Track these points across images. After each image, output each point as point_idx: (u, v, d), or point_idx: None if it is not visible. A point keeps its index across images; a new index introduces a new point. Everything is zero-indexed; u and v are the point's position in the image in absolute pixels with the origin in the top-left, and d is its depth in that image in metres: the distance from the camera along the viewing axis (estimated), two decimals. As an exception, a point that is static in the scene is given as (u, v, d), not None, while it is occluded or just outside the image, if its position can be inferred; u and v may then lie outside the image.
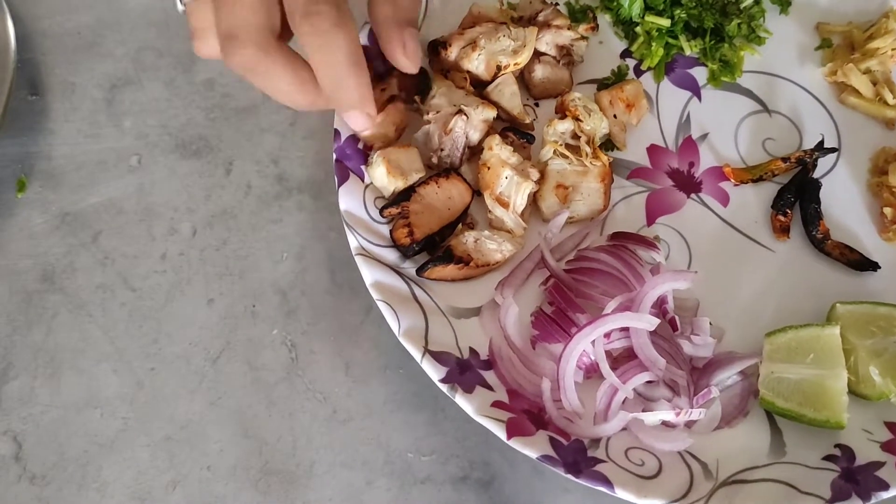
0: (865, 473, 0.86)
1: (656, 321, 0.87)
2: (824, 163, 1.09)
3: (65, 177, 1.22)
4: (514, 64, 1.01)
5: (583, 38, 1.07)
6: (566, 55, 1.06)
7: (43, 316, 1.13)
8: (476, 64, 1.01)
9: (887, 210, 1.02)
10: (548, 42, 1.06)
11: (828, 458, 0.87)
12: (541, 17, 1.05)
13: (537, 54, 1.07)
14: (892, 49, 1.14)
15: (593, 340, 0.86)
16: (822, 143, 1.06)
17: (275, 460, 1.06)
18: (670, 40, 1.13)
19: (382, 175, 0.97)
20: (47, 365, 1.11)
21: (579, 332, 0.86)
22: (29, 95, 1.26)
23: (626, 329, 0.87)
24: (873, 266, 0.99)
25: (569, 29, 1.04)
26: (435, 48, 1.05)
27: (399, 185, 0.97)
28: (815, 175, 1.06)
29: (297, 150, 1.22)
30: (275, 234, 1.18)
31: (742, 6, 1.16)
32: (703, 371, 0.91)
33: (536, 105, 1.09)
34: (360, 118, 0.90)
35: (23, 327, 1.13)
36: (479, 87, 1.05)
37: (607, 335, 0.88)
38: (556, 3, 1.11)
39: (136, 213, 1.21)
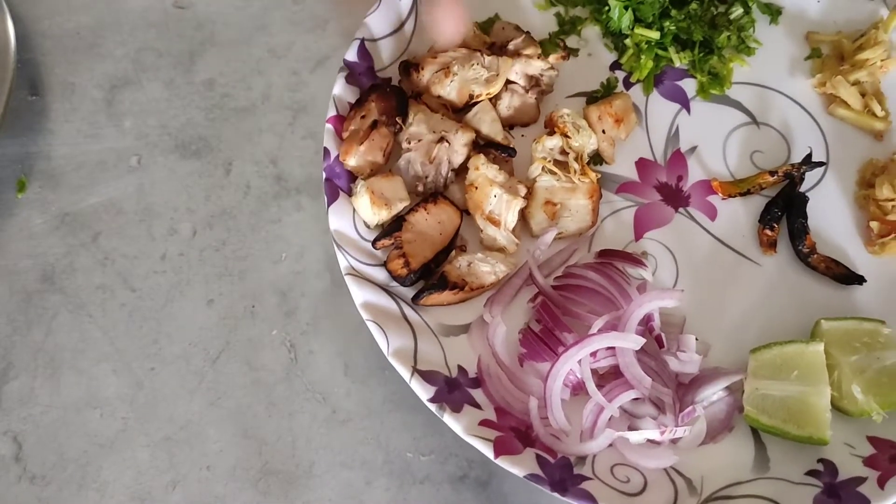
0: (847, 489, 0.86)
1: (642, 341, 0.88)
2: (812, 175, 1.08)
3: (65, 177, 1.21)
4: (487, 93, 1.00)
5: (552, 68, 1.05)
6: (535, 85, 1.04)
7: (43, 316, 1.13)
8: (448, 90, 1.01)
9: (874, 224, 1.01)
10: (517, 71, 1.05)
11: (811, 472, 0.88)
12: (511, 46, 1.04)
13: (506, 83, 1.05)
14: (882, 60, 1.13)
15: (580, 360, 0.86)
16: (809, 156, 1.05)
17: (274, 460, 1.06)
18: (660, 52, 1.11)
19: (366, 205, 0.96)
20: (47, 365, 1.10)
21: (566, 351, 0.87)
22: (29, 96, 1.26)
23: (612, 348, 0.88)
24: (859, 280, 0.99)
25: (539, 59, 1.03)
26: (406, 69, 1.04)
27: (383, 214, 0.96)
28: (803, 187, 1.06)
29: (297, 151, 1.23)
30: (274, 234, 1.18)
31: (731, 17, 1.14)
32: (689, 387, 0.91)
33: (511, 129, 1.09)
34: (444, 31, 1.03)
35: (23, 327, 1.12)
36: (452, 111, 1.04)
37: (594, 354, 0.88)
38: (528, 32, 1.08)
39: (136, 213, 1.20)
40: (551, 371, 0.87)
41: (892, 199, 1.02)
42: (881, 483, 0.85)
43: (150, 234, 1.18)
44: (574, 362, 0.87)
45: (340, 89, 1.04)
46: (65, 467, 1.06)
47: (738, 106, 1.11)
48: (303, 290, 1.15)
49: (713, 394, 0.90)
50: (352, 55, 1.05)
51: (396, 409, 1.08)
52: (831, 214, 1.06)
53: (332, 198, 1.00)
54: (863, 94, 1.12)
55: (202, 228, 1.18)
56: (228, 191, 1.20)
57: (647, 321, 0.91)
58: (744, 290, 1.00)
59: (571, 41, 1.15)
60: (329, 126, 1.02)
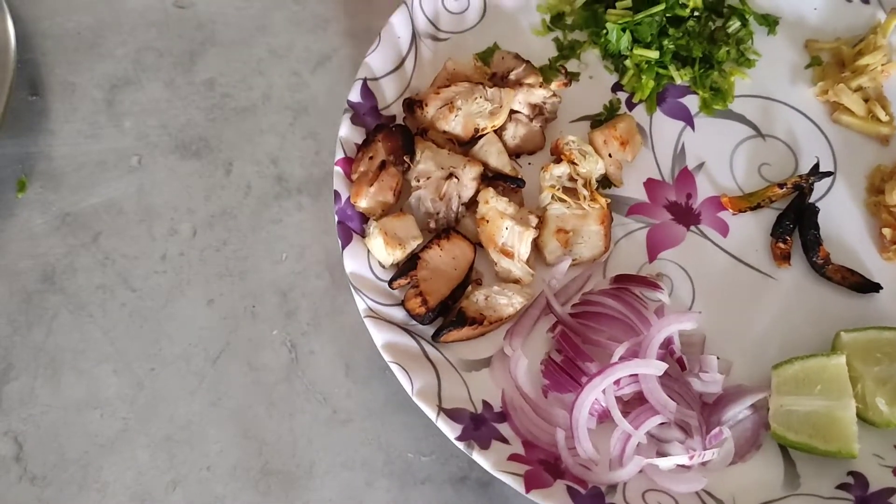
0: (880, 500, 0.86)
1: (664, 366, 0.87)
2: (821, 184, 1.07)
3: (65, 177, 1.21)
4: (492, 126, 1.00)
5: (555, 95, 1.04)
6: (539, 113, 1.04)
7: (43, 316, 1.12)
8: (453, 125, 1.00)
9: (886, 231, 1.00)
10: (520, 101, 1.04)
11: (841, 486, 0.88)
12: (513, 76, 1.04)
13: (510, 112, 1.04)
14: (882, 65, 1.12)
15: (604, 389, 0.86)
16: (817, 166, 1.05)
17: (275, 461, 1.05)
18: (660, 71, 1.11)
19: (380, 247, 0.96)
20: (48, 365, 1.10)
21: (590, 381, 0.86)
22: (29, 96, 1.25)
23: (635, 374, 0.87)
24: (875, 287, 0.99)
25: (541, 87, 1.03)
26: (410, 107, 1.03)
27: (398, 254, 0.96)
28: (813, 197, 1.05)
29: (297, 151, 1.22)
30: (274, 234, 1.17)
31: (729, 31, 1.13)
32: (714, 407, 0.91)
33: (517, 157, 1.08)
34: None
35: (23, 328, 1.12)
36: (458, 145, 1.04)
37: (617, 381, 0.88)
38: (528, 61, 1.08)
39: (137, 213, 1.19)
40: (576, 401, 0.87)
41: None
42: None
43: (150, 234, 1.17)
44: (598, 392, 0.87)
45: (346, 131, 1.03)
46: (65, 467, 1.05)
47: (742, 119, 1.11)
48: (303, 290, 1.14)
49: (739, 413, 0.90)
50: (355, 96, 1.04)
51: (397, 409, 1.08)
52: (843, 223, 1.05)
53: (346, 241, 0.99)
54: (866, 100, 1.11)
55: (202, 228, 1.17)
56: (229, 191, 1.19)
57: (667, 344, 0.91)
58: (761, 305, 0.99)
59: (571, 65, 1.14)
60: (338, 169, 1.01)
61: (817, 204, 1.05)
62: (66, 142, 1.23)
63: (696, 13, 1.10)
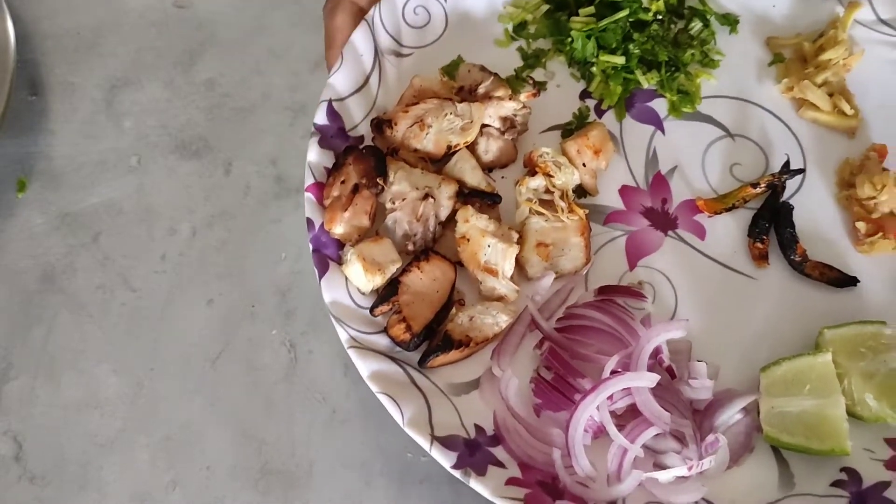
0: (874, 495, 0.85)
1: (656, 377, 0.86)
2: (793, 181, 1.05)
3: (65, 177, 1.15)
4: (464, 142, 0.97)
5: (525, 107, 1.01)
6: (510, 126, 1.00)
7: (43, 316, 1.07)
8: (425, 143, 0.96)
9: (860, 224, 0.99)
10: (491, 115, 1.01)
11: (836, 483, 0.87)
12: (481, 90, 1.01)
13: (481, 126, 1.01)
14: (844, 59, 1.09)
15: (598, 405, 0.86)
16: (787, 164, 1.03)
17: (274, 461, 1.00)
18: (627, 76, 1.07)
19: (359, 273, 0.92)
20: (47, 365, 1.04)
21: (583, 399, 0.85)
22: (29, 96, 1.20)
23: (627, 388, 0.87)
24: (853, 281, 0.97)
25: (511, 99, 1.00)
26: (379, 126, 0.98)
27: (378, 280, 0.92)
28: (786, 195, 1.04)
29: (296, 151, 1.15)
30: (274, 234, 1.12)
31: (692, 32, 1.11)
32: (706, 413, 0.90)
33: (490, 171, 1.04)
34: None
35: (23, 328, 1.06)
36: (431, 163, 1.00)
37: (610, 397, 0.86)
38: (496, 73, 1.04)
39: (136, 213, 1.14)
40: (571, 420, 0.85)
41: (874, 198, 1.00)
42: None
43: (150, 234, 1.12)
44: (593, 409, 0.85)
45: (315, 155, 0.97)
46: (65, 467, 1.00)
47: (710, 121, 1.08)
48: (303, 290, 1.09)
49: (730, 417, 0.89)
50: (321, 118, 0.98)
51: (397, 409, 1.10)
52: (817, 219, 1.03)
53: (323, 269, 0.94)
54: (830, 94, 1.09)
55: (202, 228, 1.12)
56: (228, 191, 1.14)
57: (655, 353, 0.90)
58: (743, 307, 0.98)
59: (537, 74, 1.10)
60: (309, 195, 0.95)
61: (790, 201, 1.03)
62: (66, 142, 1.17)
63: (659, 17, 1.08)
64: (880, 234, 0.99)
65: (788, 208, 1.01)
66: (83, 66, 1.23)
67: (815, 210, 1.04)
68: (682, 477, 0.85)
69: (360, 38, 1.03)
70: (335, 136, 0.99)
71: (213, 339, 1.07)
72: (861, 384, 0.88)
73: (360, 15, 1.04)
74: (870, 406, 0.87)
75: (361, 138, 1.02)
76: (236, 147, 1.17)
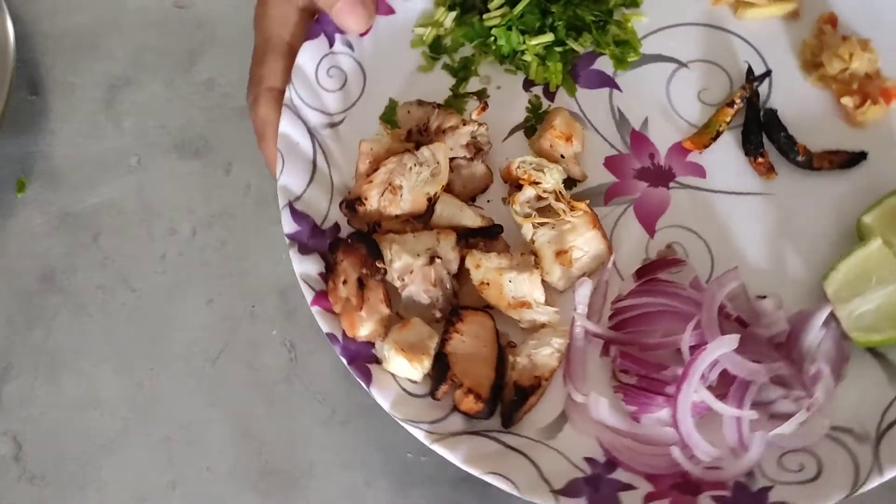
0: None
1: (737, 337, 0.82)
2: (765, 84, 1.01)
3: (64, 177, 1.13)
4: (441, 187, 0.91)
5: (481, 124, 0.95)
6: (476, 150, 0.95)
7: (43, 316, 1.06)
8: (403, 205, 0.90)
9: (846, 100, 0.97)
10: (452, 147, 0.95)
11: None
12: (433, 125, 0.94)
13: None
14: None
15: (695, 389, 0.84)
16: (750, 70, 1.00)
17: (274, 461, 0.99)
18: (560, 49, 1.02)
19: (404, 365, 0.85)
20: (47, 365, 1.03)
21: (680, 389, 0.81)
22: (28, 95, 1.17)
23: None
24: (862, 156, 0.95)
25: (465, 124, 0.94)
26: (350, 207, 0.91)
27: (426, 363, 0.86)
28: (765, 102, 1.01)
29: None
30: (274, 234, 1.06)
31: None
32: (790, 344, 0.87)
33: (474, 200, 0.97)
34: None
35: (23, 327, 1.05)
36: (417, 220, 0.94)
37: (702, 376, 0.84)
38: (435, 103, 0.97)
39: (136, 213, 1.11)
40: (677, 414, 0.81)
41: (847, 68, 0.98)
42: None
43: (150, 234, 1.10)
44: (691, 393, 0.81)
45: (302, 266, 0.89)
46: (65, 467, 0.99)
47: (659, 58, 1.02)
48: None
49: (815, 338, 0.86)
50: (289, 226, 0.90)
51: (397, 409, 1.09)
52: (801, 112, 0.99)
53: (367, 377, 0.85)
54: None
55: (202, 228, 1.10)
56: (228, 191, 1.12)
57: (720, 311, 0.86)
58: (771, 225, 0.95)
59: (473, 84, 1.02)
60: (316, 309, 0.87)
61: (770, 106, 1.00)
62: (66, 141, 1.15)
63: None
64: (869, 100, 0.97)
65: (773, 113, 0.97)
66: (83, 66, 1.20)
67: (796, 104, 0.99)
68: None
69: (288, 126, 0.94)
70: (311, 236, 0.91)
71: (213, 338, 1.05)
72: None
73: (281, 98, 0.95)
74: None
75: (337, 226, 0.94)
76: (236, 147, 1.15)
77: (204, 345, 1.05)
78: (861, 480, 0.78)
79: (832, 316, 0.86)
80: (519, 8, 0.99)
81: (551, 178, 0.91)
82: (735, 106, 0.98)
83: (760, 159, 0.96)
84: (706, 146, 0.98)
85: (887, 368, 0.85)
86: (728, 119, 0.98)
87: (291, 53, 0.95)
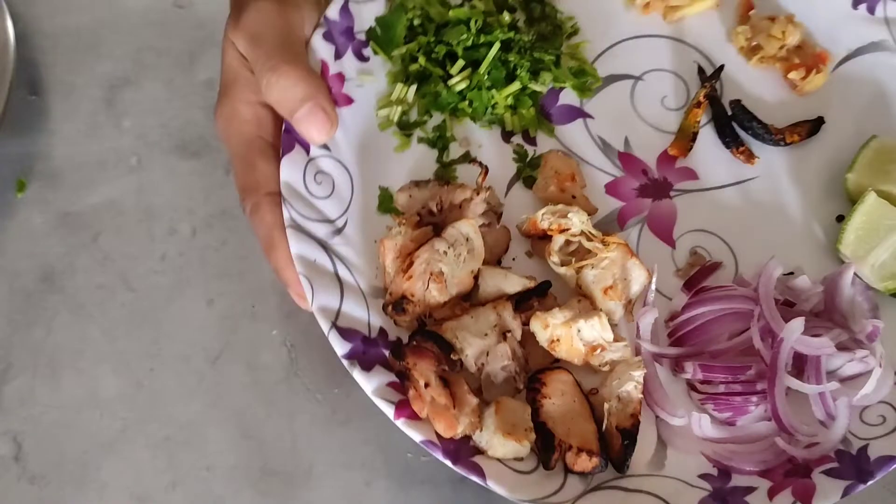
0: None
1: (801, 321, 0.85)
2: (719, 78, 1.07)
3: (64, 177, 1.13)
4: (480, 261, 0.88)
5: (488, 189, 0.94)
6: (494, 214, 0.94)
7: (43, 316, 1.05)
8: (451, 290, 0.86)
9: (793, 74, 1.01)
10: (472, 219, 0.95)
11: None
12: (446, 203, 0.92)
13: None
14: None
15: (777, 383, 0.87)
16: (701, 70, 1.04)
17: (274, 461, 0.99)
18: (528, 94, 1.02)
19: (511, 446, 0.82)
20: (47, 365, 1.03)
21: (773, 385, 0.83)
22: (28, 95, 1.17)
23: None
24: (821, 121, 1.00)
25: (477, 193, 0.92)
26: (398, 308, 0.86)
27: (531, 435, 0.83)
28: (727, 94, 1.05)
29: None
30: None
31: (536, 15, 1.05)
32: (830, 310, 0.91)
33: (499, 263, 0.94)
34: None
35: (23, 327, 1.04)
36: (466, 299, 0.90)
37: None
38: (432, 180, 0.95)
39: (136, 213, 1.11)
40: (776, 406, 0.84)
41: (784, 44, 1.01)
42: None
43: (149, 234, 1.10)
44: (784, 384, 0.84)
45: (371, 383, 0.83)
46: (65, 467, 0.98)
47: (614, 78, 1.04)
48: None
49: (849, 295, 0.90)
50: (342, 347, 0.84)
51: (396, 409, 1.07)
52: (757, 96, 1.03)
53: (482, 474, 0.81)
54: None
55: (202, 228, 1.10)
56: (228, 191, 1.10)
57: (768, 299, 0.90)
58: (769, 205, 0.99)
59: (454, 150, 0.99)
60: (403, 422, 0.83)
61: (733, 97, 1.04)
62: (66, 141, 1.14)
63: (516, 24, 1.03)
64: (812, 70, 1.01)
65: (738, 103, 1.01)
66: (83, 66, 1.20)
67: (747, 88, 1.03)
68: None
69: (300, 247, 0.88)
70: (366, 350, 0.85)
71: (213, 338, 1.05)
72: None
73: (280, 202, 0.90)
74: None
75: (383, 331, 0.88)
76: None
77: (204, 345, 1.05)
78: None
79: (852, 273, 0.90)
80: (485, 66, 0.98)
81: (578, 221, 0.90)
82: (701, 105, 1.02)
83: (741, 148, 1.01)
84: (689, 149, 1.00)
85: None
86: (698, 119, 1.01)
87: (277, 154, 0.91)
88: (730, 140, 1.01)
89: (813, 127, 1.01)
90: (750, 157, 1.01)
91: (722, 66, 1.04)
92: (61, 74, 1.21)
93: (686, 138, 1.01)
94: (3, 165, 1.14)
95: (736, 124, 1.02)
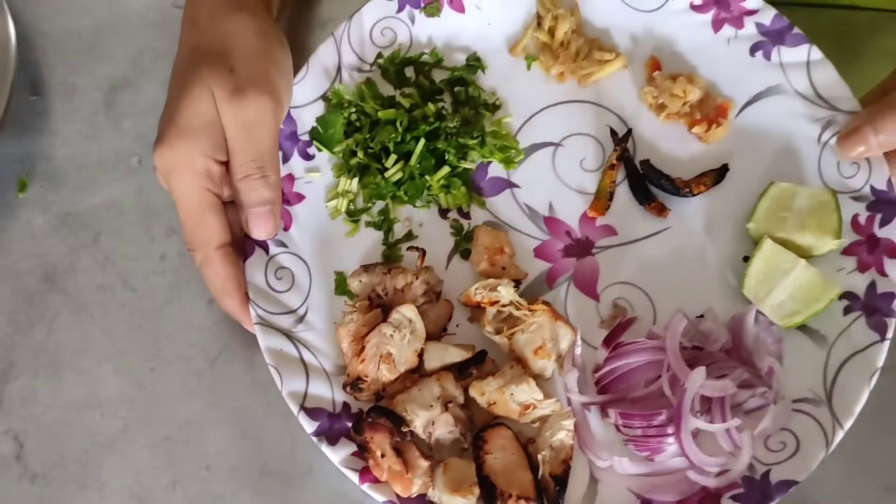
0: (873, 297, 0.94)
1: (703, 370, 0.91)
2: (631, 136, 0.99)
3: (65, 177, 0.91)
4: (424, 339, 0.97)
5: (427, 269, 0.99)
6: (433, 292, 1.00)
7: (44, 316, 0.84)
8: (399, 367, 0.95)
9: (696, 129, 1.03)
10: (413, 300, 0.98)
11: (845, 311, 0.96)
12: (389, 289, 0.99)
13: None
14: (574, 24, 1.10)
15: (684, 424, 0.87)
16: (613, 132, 1.05)
17: (273, 461, 0.79)
18: (458, 177, 1.06)
19: (456, 500, 0.91)
20: (48, 365, 0.82)
21: (679, 428, 0.92)
22: (30, 96, 0.95)
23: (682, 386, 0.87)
24: (725, 169, 1.02)
25: (416, 277, 0.98)
26: (355, 387, 0.94)
27: (476, 491, 0.89)
28: (641, 149, 1.05)
29: None
30: None
31: (461, 98, 1.09)
32: (736, 348, 0.96)
33: (445, 331, 0.99)
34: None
35: (24, 328, 0.82)
36: (412, 372, 0.96)
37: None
38: (388, 269, 1.00)
39: (136, 213, 0.89)
40: (683, 445, 0.92)
41: (686, 101, 1.03)
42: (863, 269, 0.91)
43: (150, 234, 0.89)
44: (689, 425, 0.91)
45: (338, 455, 0.90)
46: (65, 467, 0.78)
47: (536, 147, 1.06)
48: None
49: (753, 335, 0.95)
50: (310, 426, 0.91)
51: (396, 409, 0.72)
52: (666, 152, 1.07)
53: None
54: (588, 52, 1.08)
55: None
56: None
57: (679, 348, 0.94)
58: (682, 253, 0.99)
59: (402, 230, 1.06)
60: (367, 485, 0.92)
61: (638, 149, 1.06)
62: (67, 142, 0.90)
63: (443, 111, 1.05)
64: (713, 124, 1.02)
65: (647, 163, 1.01)
66: (84, 67, 0.95)
67: (663, 142, 1.04)
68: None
69: (267, 340, 0.96)
70: (331, 425, 0.93)
71: (212, 338, 0.82)
72: (800, 236, 0.90)
73: (231, 252, 0.89)
74: (818, 244, 0.92)
75: (347, 405, 0.92)
76: None
77: (204, 345, 0.80)
78: (830, 438, 0.84)
79: (758, 312, 0.92)
80: (415, 159, 0.91)
81: (506, 293, 0.91)
82: (614, 167, 0.88)
83: (653, 204, 0.89)
84: (607, 208, 0.82)
85: (812, 336, 0.91)
86: (613, 179, 0.85)
87: (222, 208, 0.86)
88: (642, 197, 0.96)
89: (717, 176, 0.97)
90: (661, 210, 0.91)
91: (630, 130, 0.97)
92: (62, 75, 0.93)
93: (603, 198, 0.87)
94: (4, 166, 1.01)
95: (648, 182, 0.98)
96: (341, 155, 1.00)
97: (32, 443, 0.89)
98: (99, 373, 0.91)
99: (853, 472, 0.93)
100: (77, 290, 0.95)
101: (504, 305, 0.95)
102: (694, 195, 1.01)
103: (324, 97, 0.99)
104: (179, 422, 0.89)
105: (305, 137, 0.98)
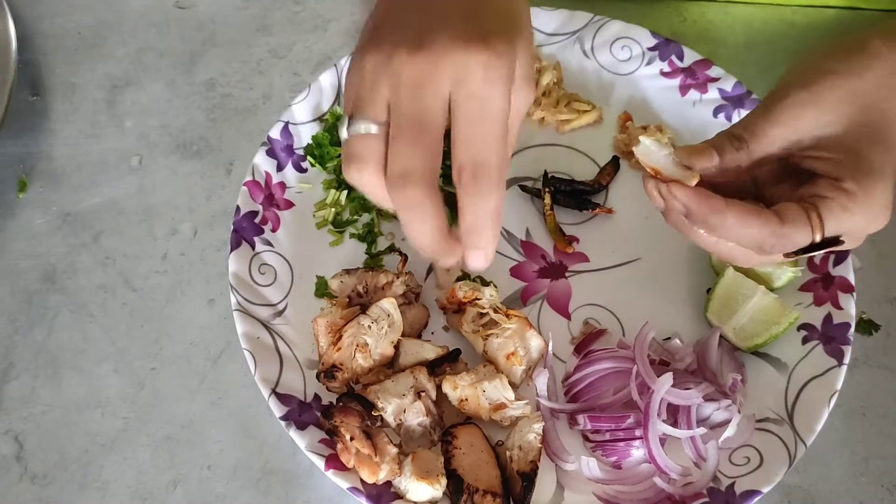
0: (829, 327, 1.00)
1: (670, 376, 0.94)
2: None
3: (66, 177, 0.89)
4: (400, 334, 0.97)
5: (407, 273, 1.01)
6: (412, 294, 1.02)
7: (44, 316, 0.80)
8: (375, 356, 0.94)
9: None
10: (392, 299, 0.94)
11: (804, 340, 1.00)
12: (371, 286, 1.00)
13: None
14: (555, 77, 1.21)
15: (651, 429, 0.92)
16: (545, 175, 1.12)
17: (275, 460, 0.76)
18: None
19: (427, 490, 0.89)
20: (48, 365, 0.78)
21: (647, 432, 0.95)
22: (30, 96, 0.94)
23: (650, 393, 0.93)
24: (618, 159, 1.15)
25: (397, 277, 0.99)
26: (330, 375, 0.94)
27: (443, 481, 0.90)
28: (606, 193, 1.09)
29: None
30: None
31: None
32: (701, 368, 0.99)
33: (420, 337, 1.01)
34: (482, 259, 0.93)
35: (24, 327, 0.78)
36: (385, 367, 0.98)
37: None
38: (370, 268, 1.00)
39: (137, 213, 0.87)
40: (650, 450, 0.93)
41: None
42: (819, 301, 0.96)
43: (151, 234, 0.86)
44: (655, 432, 0.93)
45: (304, 440, 0.91)
46: (66, 467, 0.73)
47: (518, 180, 1.16)
48: None
49: (716, 356, 0.99)
50: (279, 410, 0.92)
51: (396, 409, 0.70)
52: (630, 191, 1.12)
53: None
54: (567, 103, 1.18)
55: (203, 228, 0.89)
56: (230, 191, 0.92)
57: (648, 361, 0.97)
58: (650, 281, 1.06)
59: (385, 244, 1.08)
60: (331, 473, 0.91)
61: (612, 204, 1.12)
62: (67, 142, 0.88)
63: None
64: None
65: (552, 178, 1.15)
66: (84, 67, 0.92)
67: (632, 190, 1.12)
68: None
69: (246, 326, 0.96)
70: (301, 413, 0.95)
71: (214, 338, 0.79)
72: (760, 313, 1.00)
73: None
74: (777, 272, 1.00)
75: (317, 396, 0.95)
76: (237, 147, 0.92)
77: (205, 344, 0.79)
78: (793, 453, 0.89)
79: (721, 336, 0.98)
80: None
81: (487, 293, 0.95)
82: (553, 208, 1.08)
83: (595, 210, 1.11)
84: (569, 243, 1.04)
85: (772, 362, 0.97)
86: (555, 219, 1.09)
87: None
88: (580, 206, 1.05)
89: (613, 168, 1.08)
90: (606, 210, 1.02)
91: (545, 172, 1.07)
92: (63, 75, 0.94)
93: (559, 236, 0.97)
94: (4, 166, 1.05)
95: (569, 193, 1.08)
96: (332, 170, 1.03)
97: (32, 443, 0.86)
98: (99, 372, 0.89)
99: (858, 473, 0.92)
100: (77, 289, 0.92)
101: (484, 308, 1.01)
102: (605, 187, 1.11)
103: (320, 118, 1.05)
104: (181, 421, 0.88)
105: (300, 151, 1.03)
